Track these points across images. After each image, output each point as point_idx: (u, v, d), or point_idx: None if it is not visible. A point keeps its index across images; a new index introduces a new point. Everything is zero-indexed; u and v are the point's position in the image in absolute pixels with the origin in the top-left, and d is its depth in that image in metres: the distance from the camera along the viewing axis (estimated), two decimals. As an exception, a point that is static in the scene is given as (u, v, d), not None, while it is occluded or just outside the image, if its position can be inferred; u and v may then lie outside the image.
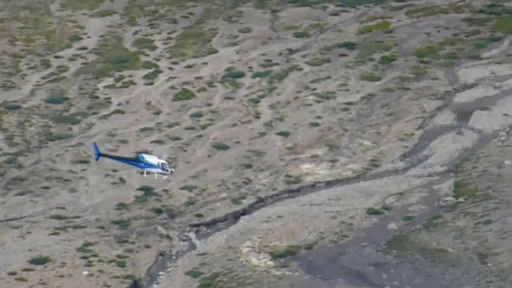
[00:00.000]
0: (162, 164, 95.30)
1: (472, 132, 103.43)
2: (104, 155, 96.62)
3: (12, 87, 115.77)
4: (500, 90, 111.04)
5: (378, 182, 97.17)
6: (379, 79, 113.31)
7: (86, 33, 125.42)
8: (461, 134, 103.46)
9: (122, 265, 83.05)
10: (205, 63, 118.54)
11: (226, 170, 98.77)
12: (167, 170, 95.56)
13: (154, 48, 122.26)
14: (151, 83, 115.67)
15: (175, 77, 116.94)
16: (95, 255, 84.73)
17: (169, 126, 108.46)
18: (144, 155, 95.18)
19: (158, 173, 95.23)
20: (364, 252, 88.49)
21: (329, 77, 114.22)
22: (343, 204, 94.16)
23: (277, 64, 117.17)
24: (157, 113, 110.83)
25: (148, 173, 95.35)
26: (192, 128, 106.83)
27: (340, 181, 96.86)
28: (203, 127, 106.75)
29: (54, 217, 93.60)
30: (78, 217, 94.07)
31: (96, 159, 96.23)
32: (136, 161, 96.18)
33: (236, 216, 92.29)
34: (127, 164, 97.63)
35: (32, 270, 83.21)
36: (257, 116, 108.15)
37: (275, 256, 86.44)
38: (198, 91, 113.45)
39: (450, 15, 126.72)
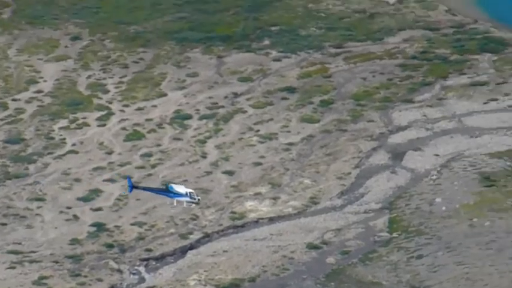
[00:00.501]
0: (190, 193, 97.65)
1: (405, 172, 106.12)
2: (137, 187, 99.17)
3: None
4: (432, 132, 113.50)
5: (317, 218, 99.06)
6: (318, 121, 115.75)
7: (42, 77, 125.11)
8: (395, 173, 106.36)
9: (75, 298, 79.57)
10: (154, 106, 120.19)
11: (175, 206, 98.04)
12: (194, 198, 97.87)
13: (106, 91, 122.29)
14: (104, 125, 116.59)
15: (127, 119, 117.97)
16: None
17: (121, 165, 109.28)
18: (173, 185, 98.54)
19: (187, 202, 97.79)
20: (304, 284, 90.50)
21: (271, 119, 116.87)
22: (284, 239, 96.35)
23: (223, 107, 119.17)
24: (110, 152, 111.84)
25: (178, 202, 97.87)
26: (142, 167, 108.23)
27: (282, 217, 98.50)
28: (153, 166, 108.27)
29: (11, 252, 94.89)
30: (34, 252, 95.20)
31: (130, 192, 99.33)
32: (166, 191, 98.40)
33: (184, 251, 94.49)
34: (159, 195, 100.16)
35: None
36: (204, 155, 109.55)
37: None
38: (148, 132, 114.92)
39: (385, 61, 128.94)
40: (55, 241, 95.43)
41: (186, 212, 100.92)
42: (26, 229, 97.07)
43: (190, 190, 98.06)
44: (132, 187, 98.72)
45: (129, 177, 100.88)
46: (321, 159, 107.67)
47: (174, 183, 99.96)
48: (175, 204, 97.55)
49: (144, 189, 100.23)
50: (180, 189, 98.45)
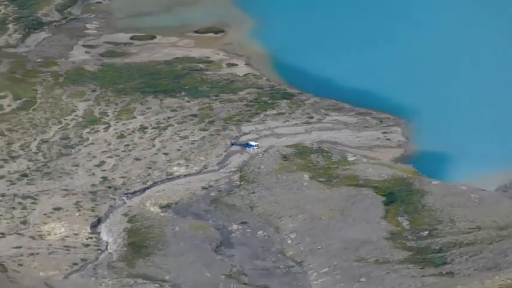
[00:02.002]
0: (257, 144, 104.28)
1: (247, 154, 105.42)
2: (233, 144, 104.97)
3: None
4: (259, 135, 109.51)
5: (206, 175, 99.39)
6: (207, 130, 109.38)
7: (78, 109, 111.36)
8: (242, 154, 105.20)
9: None
10: (130, 122, 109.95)
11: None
12: (259, 146, 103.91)
13: (107, 115, 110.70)
14: (107, 131, 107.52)
15: (117, 129, 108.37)
16: None
17: (115, 150, 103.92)
18: (250, 142, 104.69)
19: (257, 147, 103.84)
20: (200, 204, 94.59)
21: (185, 129, 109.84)
22: (191, 184, 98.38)
23: (162, 123, 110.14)
24: (109, 144, 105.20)
25: (255, 147, 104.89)
26: (124, 151, 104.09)
27: (190, 174, 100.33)
28: (130, 150, 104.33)
29: (63, 190, 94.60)
30: (73, 190, 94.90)
31: (231, 146, 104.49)
32: (248, 145, 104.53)
33: (144, 190, 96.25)
34: (244, 147, 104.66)
35: None
36: (153, 145, 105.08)
37: (161, 207, 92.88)
38: (128, 134, 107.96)
39: (238, 103, 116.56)
40: (83, 185, 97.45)
41: (147, 170, 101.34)
42: (70, 179, 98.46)
43: (257, 143, 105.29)
44: (232, 144, 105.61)
45: (231, 140, 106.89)
46: (208, 147, 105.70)
47: (251, 140, 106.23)
48: (257, 148, 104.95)
49: (236, 144, 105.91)
50: (253, 143, 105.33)
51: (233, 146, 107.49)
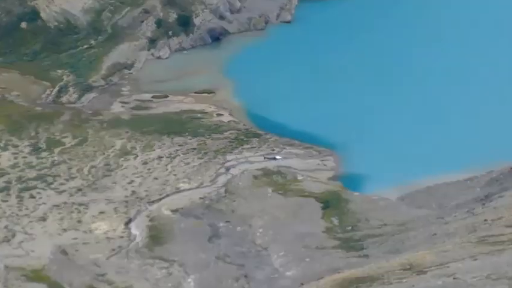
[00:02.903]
0: (279, 158, 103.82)
1: (230, 174, 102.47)
2: (267, 158, 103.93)
3: None
4: (239, 162, 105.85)
5: (202, 189, 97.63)
6: (202, 159, 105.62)
7: (115, 147, 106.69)
8: (226, 174, 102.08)
9: None
10: (151, 154, 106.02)
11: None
12: (280, 158, 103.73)
13: (135, 149, 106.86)
14: (135, 159, 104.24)
15: (142, 158, 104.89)
16: None
17: (141, 168, 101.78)
18: (276, 156, 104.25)
19: (279, 159, 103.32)
20: (198, 209, 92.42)
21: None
22: (191, 195, 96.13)
23: (171, 153, 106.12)
24: (137, 168, 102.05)
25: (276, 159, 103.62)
26: (143, 169, 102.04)
27: (191, 189, 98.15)
28: (149, 170, 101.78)
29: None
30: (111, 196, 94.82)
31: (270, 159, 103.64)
32: (274, 159, 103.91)
33: (160, 199, 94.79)
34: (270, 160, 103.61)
35: None
36: (166, 169, 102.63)
37: (172, 211, 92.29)
38: (150, 161, 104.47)
39: (222, 140, 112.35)
40: (119, 196, 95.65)
41: (162, 186, 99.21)
42: (111, 192, 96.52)
43: (280, 157, 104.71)
44: (264, 158, 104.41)
45: (264, 155, 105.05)
46: (204, 170, 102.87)
47: (276, 155, 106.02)
48: (277, 158, 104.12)
49: (267, 157, 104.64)
50: (278, 156, 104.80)
51: (265, 159, 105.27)
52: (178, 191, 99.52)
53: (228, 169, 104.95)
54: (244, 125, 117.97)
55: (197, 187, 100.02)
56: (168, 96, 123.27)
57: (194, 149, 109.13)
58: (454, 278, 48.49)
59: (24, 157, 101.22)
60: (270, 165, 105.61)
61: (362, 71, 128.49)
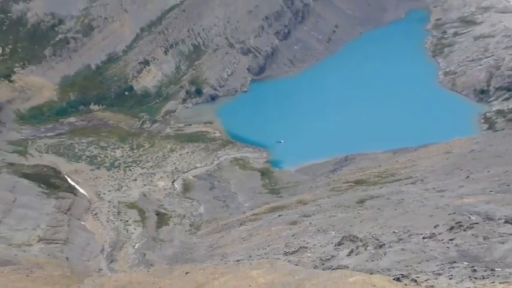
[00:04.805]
0: (282, 141, 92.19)
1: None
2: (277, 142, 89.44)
3: None
4: (218, 160, 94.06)
5: None
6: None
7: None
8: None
9: None
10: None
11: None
12: (282, 142, 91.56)
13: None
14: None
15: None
16: None
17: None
18: (281, 140, 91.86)
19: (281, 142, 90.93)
20: (205, 176, 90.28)
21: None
22: (202, 170, 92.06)
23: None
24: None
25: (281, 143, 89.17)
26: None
27: (202, 167, 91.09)
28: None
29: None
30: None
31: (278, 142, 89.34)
32: (279, 142, 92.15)
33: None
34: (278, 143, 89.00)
35: None
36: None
37: (193, 176, 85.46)
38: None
39: (218, 144, 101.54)
40: (168, 170, 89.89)
41: (188, 165, 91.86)
42: (165, 168, 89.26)
43: (283, 141, 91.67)
44: (276, 142, 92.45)
45: (276, 141, 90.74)
46: (208, 158, 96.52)
47: (280, 140, 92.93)
48: (281, 142, 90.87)
49: (278, 142, 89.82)
50: (281, 140, 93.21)
51: (276, 142, 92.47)
52: (195, 167, 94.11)
53: (218, 158, 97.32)
54: (226, 138, 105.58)
55: (204, 166, 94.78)
56: (191, 125, 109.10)
57: (203, 148, 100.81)
58: (319, 206, 51.60)
59: (126, 152, 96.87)
60: (238, 155, 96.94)
61: (295, 115, 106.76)
